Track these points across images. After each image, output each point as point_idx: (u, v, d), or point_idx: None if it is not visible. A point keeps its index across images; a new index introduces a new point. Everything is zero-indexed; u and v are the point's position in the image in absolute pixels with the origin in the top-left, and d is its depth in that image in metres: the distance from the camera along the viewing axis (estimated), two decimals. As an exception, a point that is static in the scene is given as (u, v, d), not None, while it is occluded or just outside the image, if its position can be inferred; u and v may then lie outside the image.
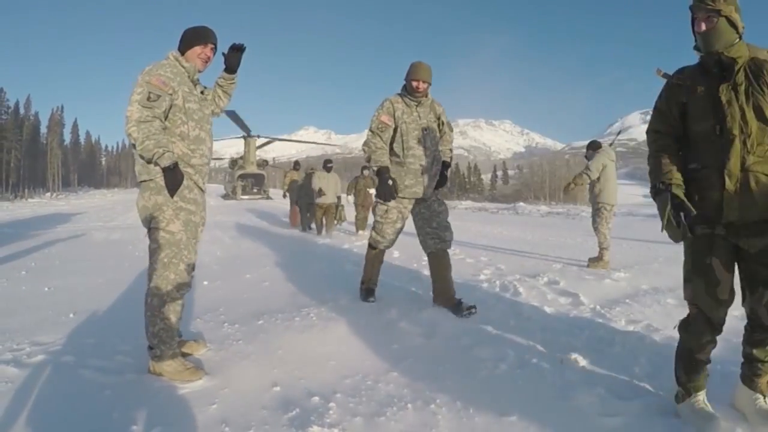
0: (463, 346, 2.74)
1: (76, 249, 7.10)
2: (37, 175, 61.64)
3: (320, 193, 9.35)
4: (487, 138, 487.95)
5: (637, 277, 4.74)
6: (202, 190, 2.48)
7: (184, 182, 2.32)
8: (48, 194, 46.59)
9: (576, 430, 1.86)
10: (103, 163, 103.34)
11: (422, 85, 3.44)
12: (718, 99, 1.75)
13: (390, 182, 3.37)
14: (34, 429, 1.82)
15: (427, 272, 5.13)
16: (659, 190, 1.83)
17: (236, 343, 2.78)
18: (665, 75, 1.95)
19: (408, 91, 3.49)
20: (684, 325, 1.94)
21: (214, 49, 2.52)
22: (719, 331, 1.87)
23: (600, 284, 4.40)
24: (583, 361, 2.45)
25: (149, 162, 2.22)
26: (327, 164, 9.96)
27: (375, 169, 3.46)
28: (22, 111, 61.01)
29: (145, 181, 2.34)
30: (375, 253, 3.76)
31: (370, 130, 3.49)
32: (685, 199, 1.77)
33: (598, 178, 5.64)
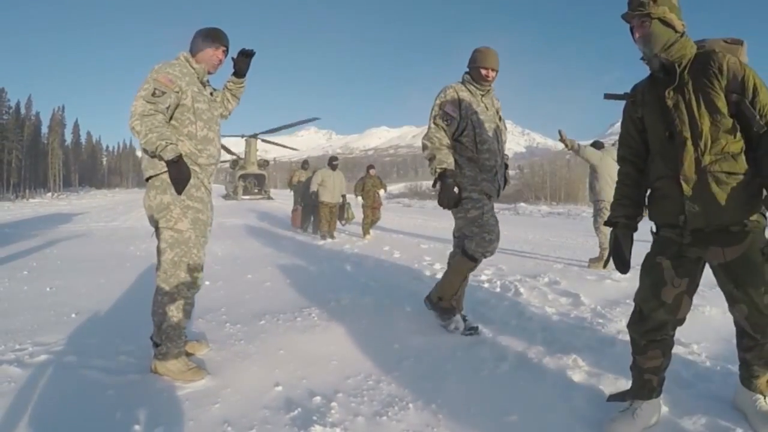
0: (465, 346, 2.74)
1: (78, 249, 7.11)
2: (38, 175, 61.72)
3: (319, 193, 8.82)
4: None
5: (638, 277, 4.73)
6: (208, 189, 2.48)
7: (192, 180, 2.29)
8: (49, 194, 46.65)
9: (576, 430, 1.86)
10: (104, 163, 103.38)
11: (492, 74, 3.01)
12: (665, 104, 1.71)
13: (456, 189, 2.82)
14: (37, 429, 1.83)
15: (428, 272, 5.15)
16: (610, 223, 1.96)
17: (238, 343, 2.79)
18: (612, 96, 1.94)
19: (474, 79, 3.02)
20: (628, 322, 1.95)
21: (226, 52, 2.51)
22: (658, 336, 1.82)
23: (601, 284, 4.41)
24: (583, 362, 2.45)
25: (153, 156, 2.21)
26: (332, 161, 9.25)
27: (438, 170, 2.83)
28: (23, 111, 61.07)
29: (151, 177, 2.32)
30: (472, 266, 3.05)
31: (434, 123, 2.94)
32: (625, 241, 1.91)
33: (597, 177, 5.64)
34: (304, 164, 11.42)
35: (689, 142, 1.66)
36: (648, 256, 1.87)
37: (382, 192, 9.61)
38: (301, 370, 2.39)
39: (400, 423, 1.90)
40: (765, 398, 1.84)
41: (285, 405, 2.03)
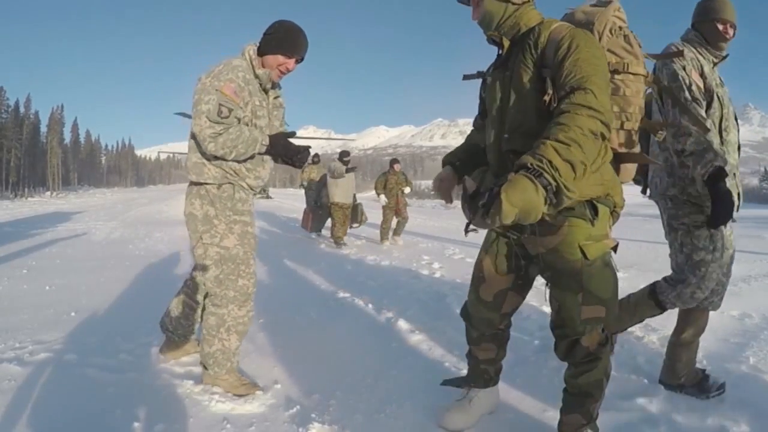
0: (462, 345, 2.74)
1: (77, 248, 7.11)
2: (37, 174, 61.69)
3: (330, 194, 7.69)
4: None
5: (636, 277, 4.74)
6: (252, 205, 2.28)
7: (237, 195, 2.14)
8: (48, 193, 46.66)
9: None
10: (103, 162, 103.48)
11: (731, 32, 2.07)
12: (487, 83, 1.66)
13: (734, 197, 1.92)
14: (37, 427, 1.84)
15: (426, 271, 5.15)
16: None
17: (237, 341, 2.80)
18: (470, 77, 1.81)
19: (708, 40, 2.08)
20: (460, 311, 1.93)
21: (299, 61, 2.18)
22: (488, 331, 1.79)
23: (599, 284, 4.41)
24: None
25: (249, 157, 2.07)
26: (343, 158, 7.94)
27: (709, 170, 1.84)
28: (22, 110, 61.01)
29: (196, 184, 2.14)
30: (705, 317, 2.19)
31: (691, 96, 1.94)
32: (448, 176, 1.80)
33: None
34: (315, 158, 9.89)
35: (495, 121, 1.60)
36: (479, 251, 1.80)
37: (407, 190, 8.38)
38: (300, 368, 2.41)
39: (397, 420, 1.91)
40: None
41: (284, 402, 2.05)
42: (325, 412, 1.96)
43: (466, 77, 1.82)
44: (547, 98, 1.42)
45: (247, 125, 2.07)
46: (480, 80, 1.79)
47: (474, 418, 1.85)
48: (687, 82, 1.96)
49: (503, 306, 1.73)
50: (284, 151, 2.09)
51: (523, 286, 1.74)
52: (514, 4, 1.54)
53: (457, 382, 1.94)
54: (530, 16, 1.56)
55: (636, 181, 2.35)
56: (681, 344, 2.17)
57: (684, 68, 1.98)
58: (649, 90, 1.92)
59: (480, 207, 1.24)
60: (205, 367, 2.18)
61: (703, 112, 1.95)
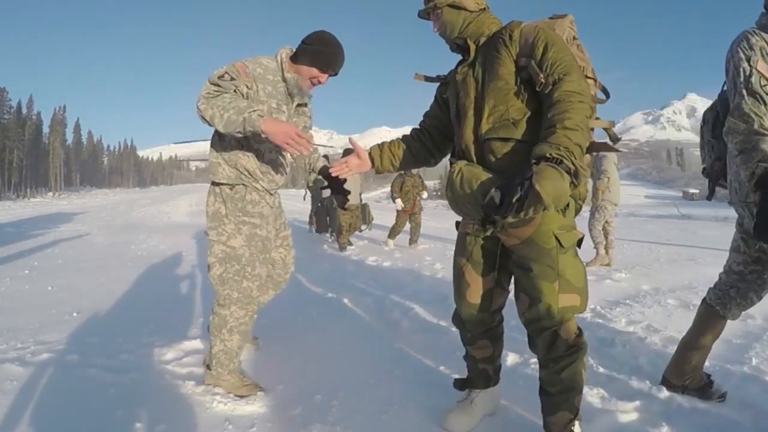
0: (464, 346, 2.75)
1: (79, 248, 7.12)
2: (39, 174, 61.90)
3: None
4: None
5: (638, 277, 4.74)
6: (270, 205, 2.25)
7: (249, 196, 2.13)
8: (50, 194, 46.81)
9: (575, 430, 1.87)
10: (105, 162, 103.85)
11: None
12: (456, 80, 1.71)
13: None
14: (39, 427, 1.84)
15: (428, 272, 5.15)
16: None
17: (239, 342, 2.80)
18: (426, 78, 1.86)
19: None
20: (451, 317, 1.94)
21: (333, 75, 2.19)
22: (480, 329, 1.81)
23: (600, 285, 4.41)
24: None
25: (242, 133, 1.88)
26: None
27: (757, 172, 1.61)
28: (24, 111, 61.23)
29: (213, 183, 2.16)
30: (723, 324, 2.08)
31: (747, 91, 1.69)
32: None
33: (600, 178, 5.66)
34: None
35: (470, 113, 1.64)
36: (453, 257, 1.83)
37: (424, 195, 7.94)
38: (302, 369, 2.40)
39: (400, 422, 1.90)
40: None
41: (286, 403, 2.04)
42: (327, 413, 1.96)
43: (425, 78, 1.87)
44: (542, 78, 1.50)
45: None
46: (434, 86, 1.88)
47: (476, 419, 1.86)
48: (747, 73, 1.72)
49: (492, 304, 1.77)
50: (273, 131, 1.84)
51: (505, 281, 1.78)
52: (471, 12, 1.66)
53: (459, 384, 1.95)
54: (491, 21, 1.69)
55: (704, 174, 2.20)
56: (695, 348, 2.10)
57: (749, 59, 1.73)
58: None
59: (515, 202, 1.28)
60: (208, 368, 2.19)
61: (760, 107, 1.69)
